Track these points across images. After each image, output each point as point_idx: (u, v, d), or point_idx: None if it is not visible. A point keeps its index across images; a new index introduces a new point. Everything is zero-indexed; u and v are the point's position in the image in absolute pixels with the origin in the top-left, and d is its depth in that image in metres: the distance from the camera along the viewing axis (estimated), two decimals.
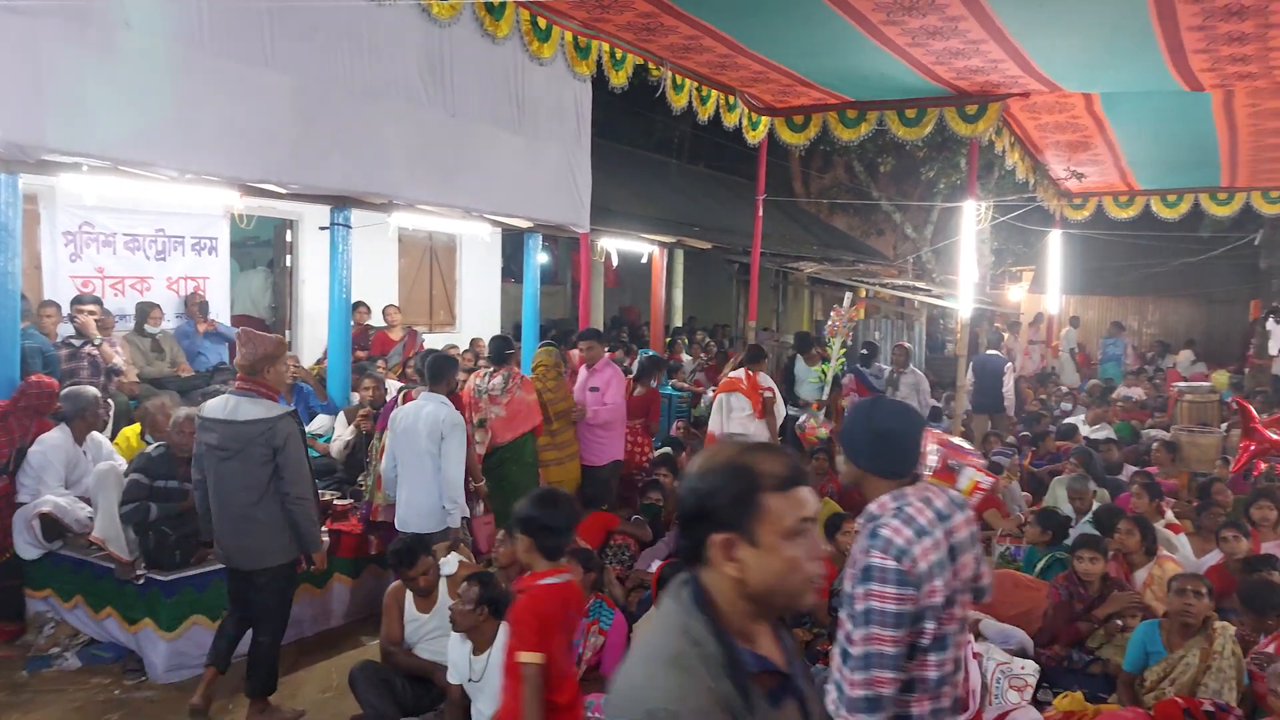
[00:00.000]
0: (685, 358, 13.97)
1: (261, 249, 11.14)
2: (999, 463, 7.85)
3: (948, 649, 2.46)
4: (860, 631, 2.34)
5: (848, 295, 9.45)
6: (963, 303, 9.64)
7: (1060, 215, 13.95)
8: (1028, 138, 10.53)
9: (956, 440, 3.84)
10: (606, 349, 7.67)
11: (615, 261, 13.40)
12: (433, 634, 4.55)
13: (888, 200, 19.14)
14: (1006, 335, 16.60)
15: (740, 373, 7.98)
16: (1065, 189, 13.09)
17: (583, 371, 7.22)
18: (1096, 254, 18.45)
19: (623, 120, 19.15)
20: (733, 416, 7.77)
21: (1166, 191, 12.87)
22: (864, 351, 10.48)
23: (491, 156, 7.89)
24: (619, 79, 7.66)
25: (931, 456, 3.51)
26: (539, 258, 9.47)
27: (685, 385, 11.73)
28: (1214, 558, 5.81)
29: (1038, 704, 4.41)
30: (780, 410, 8.15)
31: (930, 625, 2.40)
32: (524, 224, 8.92)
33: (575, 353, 7.64)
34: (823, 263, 16.64)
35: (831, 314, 9.10)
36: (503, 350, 6.50)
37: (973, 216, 9.75)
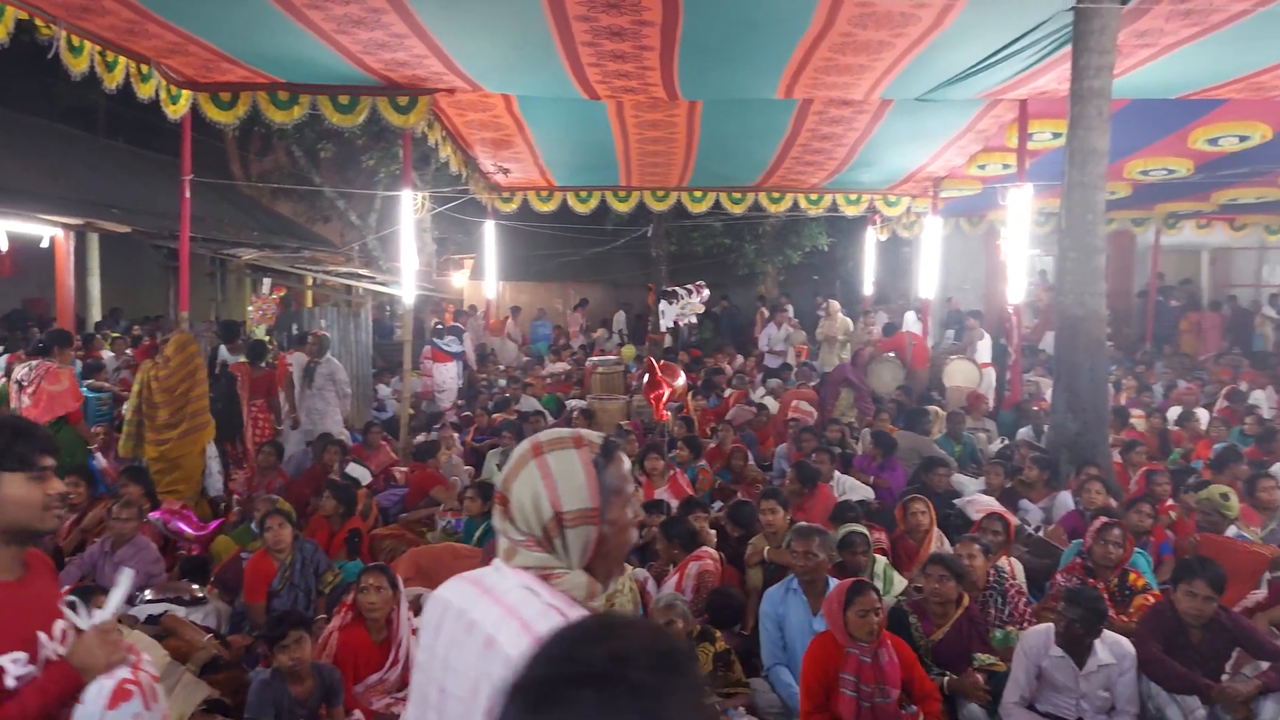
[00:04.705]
0: (107, 354, 12.47)
1: None
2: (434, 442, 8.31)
3: None
4: None
5: (266, 281, 9.23)
6: (406, 290, 9.92)
7: (492, 207, 14.92)
8: (458, 133, 11.09)
9: None
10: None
11: (5, 246, 11.40)
12: None
13: (330, 187, 18.90)
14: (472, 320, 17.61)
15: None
16: (495, 183, 14.04)
17: None
18: (525, 243, 20.28)
19: (16, 84, 16.45)
20: None
21: (579, 188, 14.39)
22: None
23: None
24: None
25: None
26: None
27: (108, 385, 10.44)
28: None
29: None
30: None
31: None
32: None
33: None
34: (264, 249, 15.90)
35: (253, 302, 8.82)
36: (53, 343, 7.11)
37: (410, 206, 10.08)
